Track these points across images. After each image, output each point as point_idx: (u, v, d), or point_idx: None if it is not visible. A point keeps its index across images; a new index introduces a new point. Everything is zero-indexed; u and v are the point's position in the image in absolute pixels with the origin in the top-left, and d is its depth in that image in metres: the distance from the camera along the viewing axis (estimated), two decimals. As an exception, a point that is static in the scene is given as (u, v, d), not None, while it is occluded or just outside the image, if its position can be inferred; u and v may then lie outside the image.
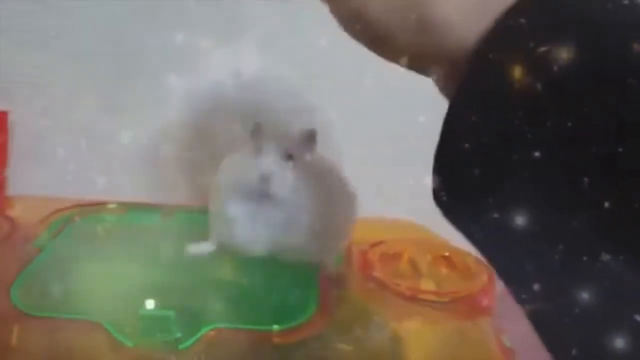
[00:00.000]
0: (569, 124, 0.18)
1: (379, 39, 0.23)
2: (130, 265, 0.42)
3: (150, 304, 0.36)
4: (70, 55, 0.55)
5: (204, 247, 0.45)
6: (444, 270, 0.44)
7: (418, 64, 0.23)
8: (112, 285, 0.40)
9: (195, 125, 0.57)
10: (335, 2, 0.23)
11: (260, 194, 0.39)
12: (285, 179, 0.39)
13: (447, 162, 0.21)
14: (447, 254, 0.45)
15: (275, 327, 0.36)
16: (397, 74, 0.26)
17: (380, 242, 0.48)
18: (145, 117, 0.56)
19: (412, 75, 0.25)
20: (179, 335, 0.35)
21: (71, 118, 0.55)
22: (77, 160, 0.56)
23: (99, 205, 0.52)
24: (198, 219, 0.48)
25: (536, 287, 0.19)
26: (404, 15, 0.21)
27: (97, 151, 0.57)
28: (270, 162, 0.39)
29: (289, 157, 0.40)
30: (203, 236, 0.45)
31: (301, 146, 0.41)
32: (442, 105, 0.24)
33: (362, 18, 0.22)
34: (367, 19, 0.22)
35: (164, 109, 0.56)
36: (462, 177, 0.20)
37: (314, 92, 0.51)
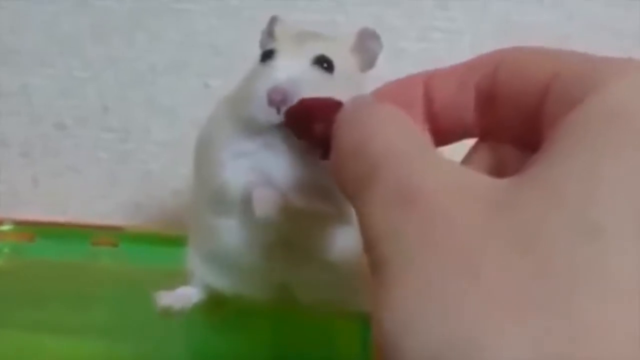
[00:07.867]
0: None
1: None
2: (35, 335, 0.29)
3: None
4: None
5: (184, 296, 0.28)
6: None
7: None
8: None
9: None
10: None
11: (271, 129, 0.21)
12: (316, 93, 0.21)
13: None
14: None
15: None
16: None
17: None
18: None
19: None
20: None
21: None
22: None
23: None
24: (157, 251, 0.34)
25: None
26: None
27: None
28: (290, 65, 0.22)
29: (325, 64, 0.23)
30: (171, 281, 0.29)
31: (349, 52, 0.24)
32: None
33: None
34: None
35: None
36: None
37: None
